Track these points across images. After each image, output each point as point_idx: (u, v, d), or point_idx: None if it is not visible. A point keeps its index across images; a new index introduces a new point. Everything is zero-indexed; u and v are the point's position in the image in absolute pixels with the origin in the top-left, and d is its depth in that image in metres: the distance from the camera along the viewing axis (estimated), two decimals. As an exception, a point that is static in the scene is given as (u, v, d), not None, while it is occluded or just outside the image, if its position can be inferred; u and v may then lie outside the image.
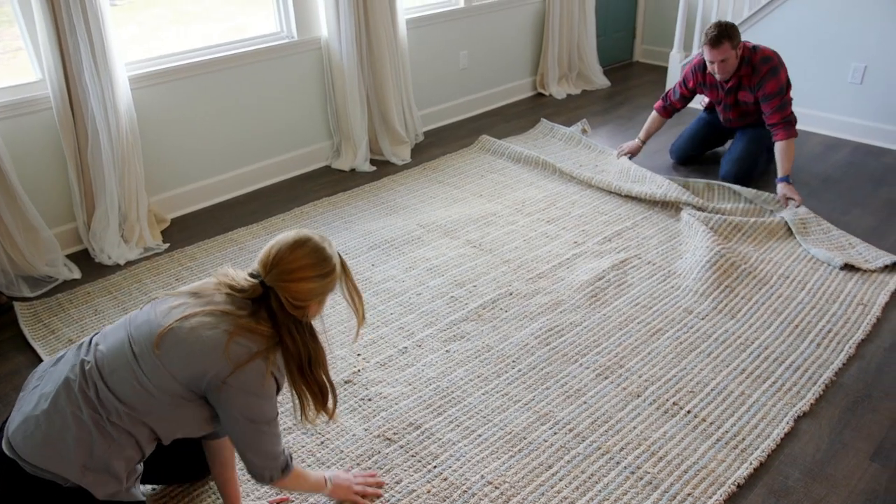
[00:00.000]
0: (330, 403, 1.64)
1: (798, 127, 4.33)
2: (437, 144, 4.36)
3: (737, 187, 3.54)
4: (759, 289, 2.79)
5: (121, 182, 3.12)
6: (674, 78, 4.92)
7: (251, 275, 1.54)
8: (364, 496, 1.91)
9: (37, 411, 1.46)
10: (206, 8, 6.28)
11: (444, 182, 3.81)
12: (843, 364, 2.38)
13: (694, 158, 4.01)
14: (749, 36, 4.49)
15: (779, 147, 3.46)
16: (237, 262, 3.06)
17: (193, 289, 1.58)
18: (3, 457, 1.45)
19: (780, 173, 3.46)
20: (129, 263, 3.12)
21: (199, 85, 3.45)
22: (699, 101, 4.00)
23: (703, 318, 2.62)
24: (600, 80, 5.41)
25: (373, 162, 4.08)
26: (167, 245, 3.25)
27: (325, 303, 1.62)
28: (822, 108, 4.31)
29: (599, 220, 3.36)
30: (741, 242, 3.13)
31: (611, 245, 3.14)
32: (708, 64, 3.46)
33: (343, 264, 1.61)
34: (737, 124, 3.75)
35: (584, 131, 4.44)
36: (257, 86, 3.68)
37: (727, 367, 2.37)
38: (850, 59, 4.11)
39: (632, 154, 3.93)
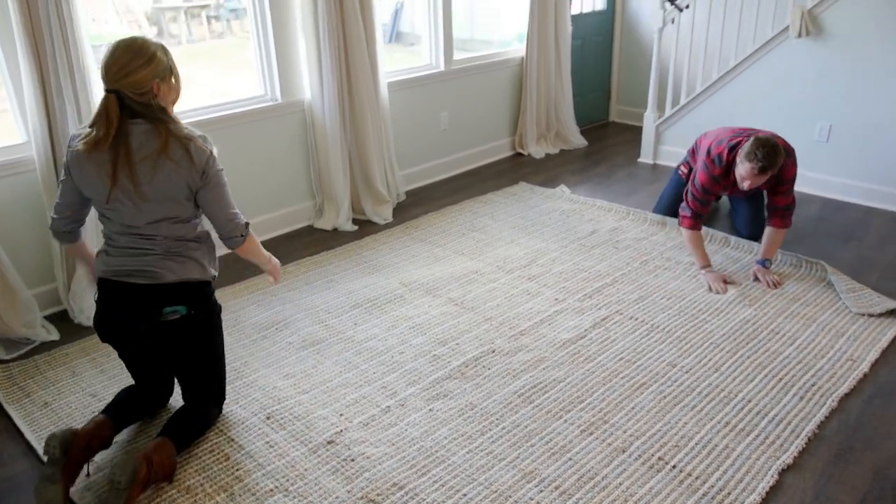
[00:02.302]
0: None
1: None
2: (419, 204, 4.41)
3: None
4: (746, 344, 2.82)
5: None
6: (648, 136, 5.06)
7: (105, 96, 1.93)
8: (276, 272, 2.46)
9: None
10: (190, 73, 6.39)
11: (426, 241, 3.85)
12: (826, 417, 2.40)
13: (675, 215, 4.04)
14: (718, 96, 4.66)
15: (773, 232, 3.34)
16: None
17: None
18: None
19: (763, 255, 3.37)
20: (109, 325, 3.08)
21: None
22: (676, 165, 4.03)
23: (686, 372, 2.64)
24: (578, 140, 5.54)
25: (355, 221, 4.12)
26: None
27: (172, 83, 2.03)
28: (792, 165, 4.44)
29: (579, 276, 3.40)
30: (735, 299, 3.17)
31: (592, 302, 3.16)
32: (742, 180, 3.15)
33: (166, 52, 2.01)
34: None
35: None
36: (241, 147, 3.73)
37: (711, 420, 2.38)
38: (816, 118, 4.26)
39: (725, 281, 3.32)
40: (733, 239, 3.72)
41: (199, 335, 2.20)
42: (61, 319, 3.12)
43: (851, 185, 4.24)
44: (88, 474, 2.16)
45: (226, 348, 2.80)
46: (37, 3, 2.74)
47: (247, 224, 2.21)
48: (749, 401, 2.47)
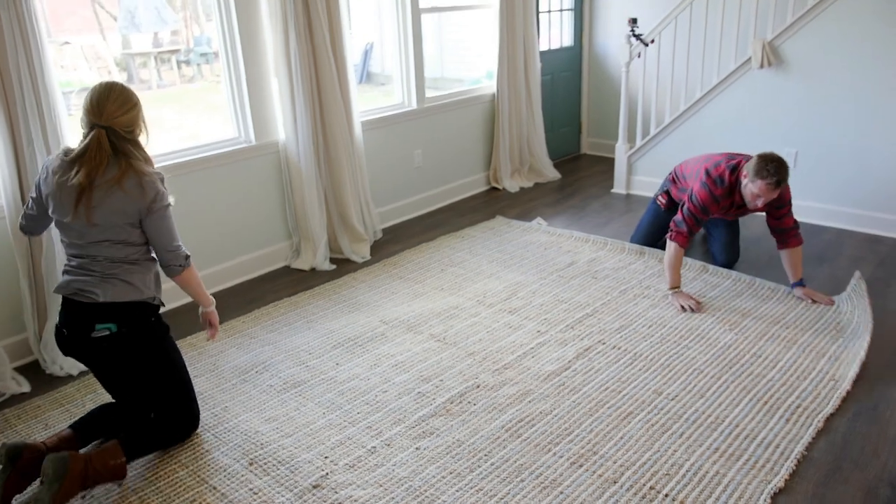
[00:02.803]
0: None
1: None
2: (396, 241, 4.40)
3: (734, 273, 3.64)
4: (729, 368, 2.83)
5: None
6: (621, 167, 5.13)
7: (85, 133, 2.19)
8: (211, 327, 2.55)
9: None
10: (161, 117, 6.37)
11: (405, 277, 3.83)
12: (813, 438, 2.40)
13: (653, 244, 4.06)
14: (687, 126, 4.75)
15: (795, 253, 3.38)
16: (197, 366, 2.98)
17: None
18: None
19: (795, 278, 3.40)
20: (83, 374, 3.00)
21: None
22: (654, 195, 4.07)
23: (672, 399, 2.63)
24: (551, 173, 5.60)
25: (332, 260, 4.09)
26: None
27: (144, 121, 2.28)
28: (762, 191, 4.52)
29: (560, 308, 3.39)
30: (715, 324, 3.19)
31: (573, 332, 3.16)
32: (754, 198, 3.21)
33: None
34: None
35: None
36: (216, 190, 3.70)
37: (700, 446, 2.36)
38: (782, 144, 4.36)
39: (691, 302, 3.36)
40: (711, 266, 3.76)
41: (134, 353, 2.30)
42: (32, 370, 3.03)
43: (822, 208, 4.32)
44: (83, 497, 2.22)
45: (205, 394, 2.74)
46: (5, 50, 2.72)
47: (187, 256, 2.36)
48: (736, 425, 2.47)
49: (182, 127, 6.12)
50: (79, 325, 2.22)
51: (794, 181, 4.35)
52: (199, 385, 2.84)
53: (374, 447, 2.42)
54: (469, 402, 2.66)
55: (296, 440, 2.47)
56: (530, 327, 3.22)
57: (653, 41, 4.75)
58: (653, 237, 4.03)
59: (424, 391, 2.74)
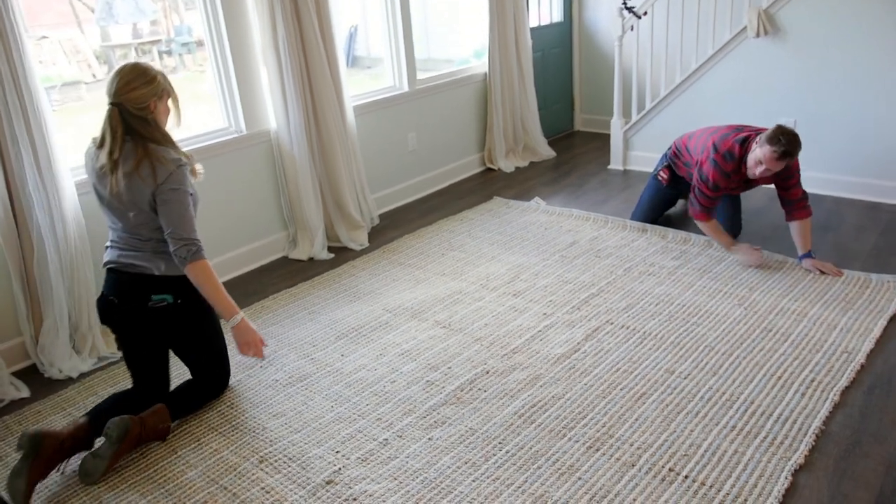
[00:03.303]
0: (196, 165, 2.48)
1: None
2: (394, 226, 4.33)
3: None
4: (740, 344, 2.79)
5: (70, 291, 2.98)
6: (616, 143, 5.07)
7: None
8: (248, 350, 2.47)
9: None
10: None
11: (406, 264, 3.77)
12: (830, 412, 2.37)
13: (654, 220, 4.03)
14: (683, 99, 4.69)
15: (803, 225, 3.33)
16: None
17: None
18: None
19: (804, 250, 3.35)
20: (83, 376, 2.94)
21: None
22: (654, 170, 4.02)
23: (685, 378, 2.60)
24: (546, 151, 5.53)
25: (330, 249, 4.02)
26: (121, 353, 3.09)
27: (167, 102, 2.38)
28: (761, 162, 4.48)
29: (565, 289, 3.35)
30: (723, 300, 3.15)
31: (580, 313, 3.11)
32: (756, 164, 3.19)
33: (165, 78, 2.37)
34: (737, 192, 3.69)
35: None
36: (207, 182, 3.60)
37: (717, 425, 2.33)
38: (780, 114, 4.31)
39: (756, 254, 3.43)
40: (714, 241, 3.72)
41: (187, 321, 2.49)
42: (31, 375, 2.96)
43: (821, 177, 4.28)
44: (62, 472, 2.30)
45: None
46: (-15, 46, 2.62)
47: (192, 249, 2.33)
48: (752, 402, 2.44)
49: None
50: (134, 295, 2.39)
51: (793, 151, 4.31)
52: (203, 383, 2.78)
53: (386, 439, 2.38)
54: (479, 389, 2.62)
55: (305, 435, 2.42)
56: (536, 310, 3.17)
57: (645, 13, 4.67)
58: (654, 213, 3.99)
59: (433, 380, 2.70)
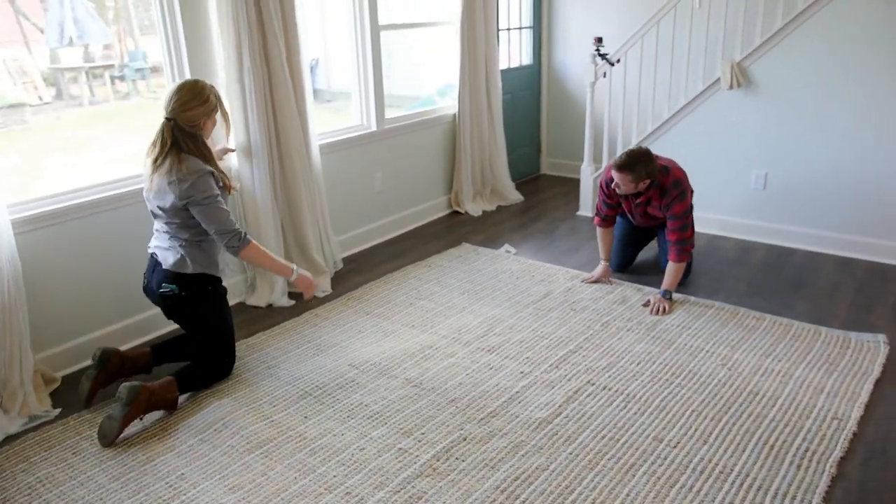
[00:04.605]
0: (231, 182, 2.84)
1: (712, 232, 4.49)
2: (358, 271, 4.12)
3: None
4: (728, 409, 2.66)
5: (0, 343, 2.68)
6: (586, 189, 5.00)
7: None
8: (309, 294, 2.99)
9: None
10: (94, 135, 5.93)
11: (371, 313, 3.55)
12: (829, 486, 2.24)
13: (630, 262, 4.05)
14: (655, 147, 4.64)
15: (670, 266, 3.55)
16: (146, 426, 2.64)
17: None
18: None
19: (663, 286, 3.55)
20: (10, 439, 2.62)
21: (95, 224, 3.11)
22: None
23: (675, 447, 2.44)
24: (513, 196, 5.42)
25: (291, 295, 3.78)
26: (58, 410, 2.78)
27: (215, 117, 2.76)
28: (731, 213, 4.45)
29: (541, 345, 3.18)
30: (705, 359, 3.03)
31: (559, 372, 2.95)
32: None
33: (217, 95, 2.74)
34: (650, 225, 3.82)
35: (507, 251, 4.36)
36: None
37: (713, 502, 2.17)
38: (752, 166, 4.29)
39: (602, 279, 3.85)
40: (692, 297, 3.63)
41: (190, 311, 2.83)
42: (-50, 437, 2.63)
43: (793, 231, 4.26)
44: (141, 418, 2.66)
45: (157, 458, 2.44)
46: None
47: (240, 237, 2.72)
48: (747, 475, 2.29)
49: (117, 146, 5.72)
50: (154, 278, 2.79)
51: (763, 203, 4.30)
52: (150, 447, 2.51)
53: (356, 518, 2.15)
54: (457, 459, 2.41)
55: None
56: (512, 368, 2.99)
57: (619, 61, 4.63)
58: (626, 254, 4.00)
59: (406, 447, 2.48)
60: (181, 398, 2.79)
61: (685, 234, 3.49)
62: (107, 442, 2.52)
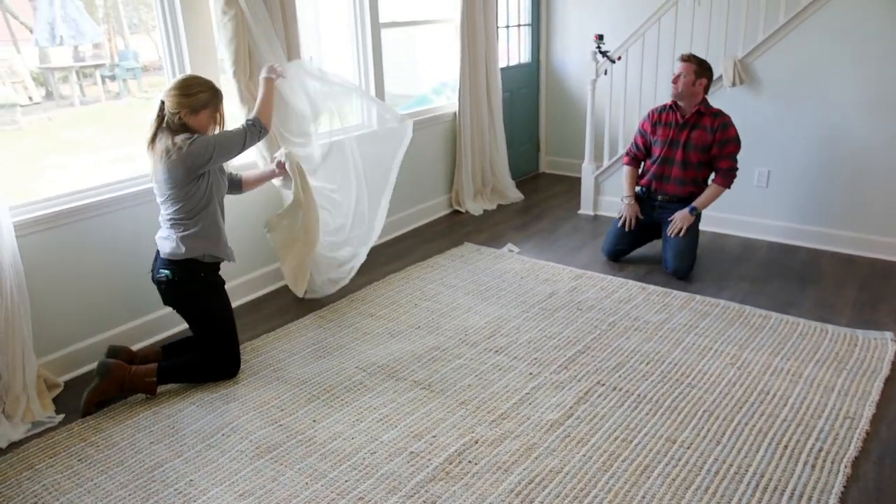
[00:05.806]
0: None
1: (715, 230, 4.47)
2: (361, 272, 4.07)
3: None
4: (740, 409, 2.64)
5: (2, 348, 2.63)
6: (587, 188, 4.98)
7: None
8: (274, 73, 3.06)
9: None
10: (88, 136, 5.86)
11: (376, 315, 3.52)
12: (844, 486, 2.23)
13: (624, 252, 4.11)
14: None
15: (713, 187, 3.81)
16: (153, 430, 2.60)
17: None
18: None
19: (695, 203, 3.81)
20: (14, 445, 2.58)
21: (96, 227, 3.06)
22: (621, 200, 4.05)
23: (688, 448, 2.43)
24: (514, 194, 5.40)
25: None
26: (62, 416, 2.74)
27: (206, 115, 2.78)
28: (734, 211, 4.43)
29: (549, 345, 3.16)
30: (714, 358, 3.01)
31: (568, 373, 2.93)
32: (674, 76, 3.74)
33: (211, 95, 2.78)
34: (668, 190, 3.88)
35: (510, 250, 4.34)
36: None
37: (729, 503, 2.16)
38: (754, 164, 4.28)
39: (635, 219, 4.01)
40: (697, 296, 3.61)
41: (185, 298, 2.86)
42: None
43: (796, 228, 4.25)
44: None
45: (164, 464, 2.40)
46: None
47: (252, 123, 2.91)
48: (762, 476, 2.28)
49: (111, 147, 5.64)
50: (156, 267, 2.85)
51: (766, 201, 4.30)
52: (157, 453, 2.47)
53: (371, 524, 2.12)
54: (469, 462, 2.39)
55: (278, 520, 2.15)
56: (521, 368, 2.97)
57: (620, 58, 4.61)
58: (619, 240, 4.07)
59: (418, 450, 2.45)
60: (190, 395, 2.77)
61: (734, 164, 3.75)
62: (83, 411, 2.70)
